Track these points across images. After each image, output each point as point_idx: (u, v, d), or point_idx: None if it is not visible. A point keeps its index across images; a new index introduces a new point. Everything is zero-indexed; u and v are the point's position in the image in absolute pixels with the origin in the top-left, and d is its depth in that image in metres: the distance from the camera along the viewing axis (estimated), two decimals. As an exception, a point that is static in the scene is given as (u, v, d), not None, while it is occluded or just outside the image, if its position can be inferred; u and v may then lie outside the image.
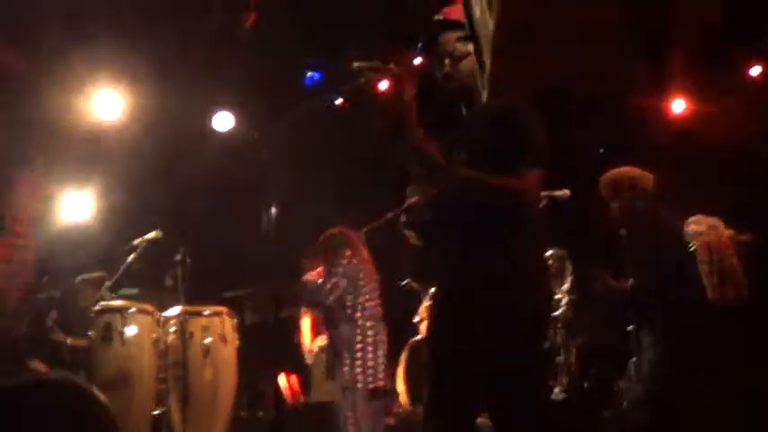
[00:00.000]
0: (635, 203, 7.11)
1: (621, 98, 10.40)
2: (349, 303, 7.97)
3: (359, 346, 7.87)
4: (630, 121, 11.40)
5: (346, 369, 7.84)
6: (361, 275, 8.03)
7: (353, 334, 7.91)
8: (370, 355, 7.87)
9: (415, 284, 9.88)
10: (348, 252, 8.14)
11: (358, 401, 7.79)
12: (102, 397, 2.57)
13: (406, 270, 9.49)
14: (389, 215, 8.49)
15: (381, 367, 7.91)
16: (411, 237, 4.64)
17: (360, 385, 7.78)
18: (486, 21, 3.81)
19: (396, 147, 4.10)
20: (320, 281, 8.28)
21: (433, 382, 4.25)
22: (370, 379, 7.81)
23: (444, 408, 4.15)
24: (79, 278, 9.82)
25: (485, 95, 4.11)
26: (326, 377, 8.32)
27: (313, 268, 9.37)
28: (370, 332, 7.92)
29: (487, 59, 3.92)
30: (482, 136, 4.19)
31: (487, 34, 3.82)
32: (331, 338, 8.19)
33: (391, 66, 4.18)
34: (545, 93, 4.09)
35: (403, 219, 4.54)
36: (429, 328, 4.58)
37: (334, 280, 8.00)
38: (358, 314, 7.94)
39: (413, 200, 4.46)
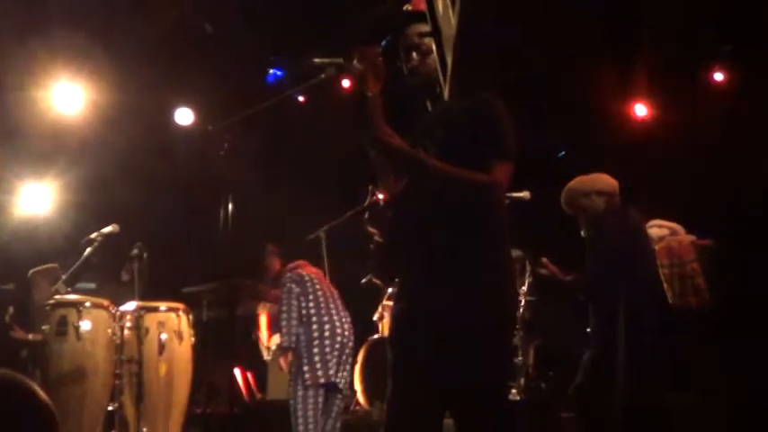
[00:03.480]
0: (593, 208, 7.10)
1: (584, 100, 10.42)
2: (303, 304, 8.04)
3: (316, 342, 7.91)
4: (592, 124, 11.44)
5: (307, 368, 7.88)
6: (307, 279, 8.15)
7: (310, 332, 7.96)
8: (327, 350, 7.92)
9: (376, 281, 9.88)
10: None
11: (311, 397, 7.84)
12: (42, 394, 2.50)
13: (366, 268, 9.47)
14: (350, 213, 8.50)
15: (332, 362, 7.94)
16: (375, 234, 4.59)
17: (309, 383, 7.82)
18: (449, 17, 3.77)
19: (365, 140, 4.06)
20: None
21: (394, 383, 4.17)
22: (319, 374, 7.85)
23: (407, 410, 4.09)
24: (32, 271, 9.73)
25: (446, 92, 4.06)
26: (292, 381, 8.33)
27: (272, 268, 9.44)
28: (326, 328, 7.98)
29: (449, 56, 3.88)
30: (450, 129, 4.13)
31: (450, 31, 3.78)
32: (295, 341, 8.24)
33: (354, 62, 4.13)
34: (506, 91, 4.05)
35: (367, 216, 4.49)
36: (390, 329, 4.51)
37: (287, 287, 8.10)
38: (312, 313, 8.01)
39: (376, 197, 4.40)
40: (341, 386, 8.08)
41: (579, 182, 7.29)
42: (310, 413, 7.85)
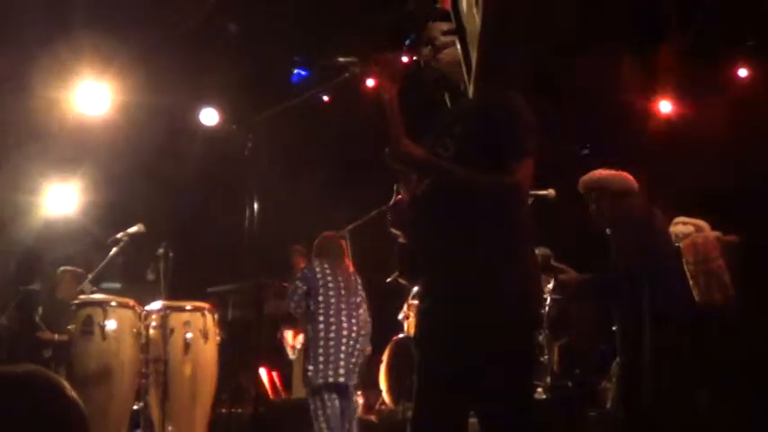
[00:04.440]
0: (601, 205, 6.98)
1: (608, 97, 10.39)
2: (311, 303, 8.02)
3: (321, 342, 7.90)
4: (616, 122, 11.40)
5: (311, 367, 7.89)
6: (320, 277, 8.11)
7: (316, 332, 7.96)
8: (331, 350, 7.91)
9: (401, 281, 9.87)
10: (313, 260, 8.29)
11: (325, 398, 7.84)
12: (72, 392, 2.50)
13: (391, 267, 9.47)
14: (374, 212, 8.50)
15: (341, 363, 7.92)
16: (397, 235, 4.59)
17: (320, 382, 7.82)
18: (473, 16, 3.77)
19: (387, 155, 4.05)
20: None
21: (420, 382, 4.16)
22: (330, 374, 7.84)
23: (433, 409, 4.09)
24: (61, 269, 9.78)
25: (471, 91, 4.05)
26: (303, 382, 8.35)
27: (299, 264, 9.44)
28: (332, 329, 7.96)
29: (473, 54, 3.87)
30: (469, 126, 4.12)
31: (474, 30, 3.78)
32: (304, 339, 8.25)
33: (373, 66, 4.14)
34: (531, 89, 4.04)
35: (389, 217, 4.48)
36: (416, 327, 4.52)
37: (293, 285, 8.11)
38: (320, 312, 7.99)
39: (398, 197, 4.40)
40: (351, 389, 8.07)
41: (598, 174, 7.11)
42: (330, 414, 7.85)
